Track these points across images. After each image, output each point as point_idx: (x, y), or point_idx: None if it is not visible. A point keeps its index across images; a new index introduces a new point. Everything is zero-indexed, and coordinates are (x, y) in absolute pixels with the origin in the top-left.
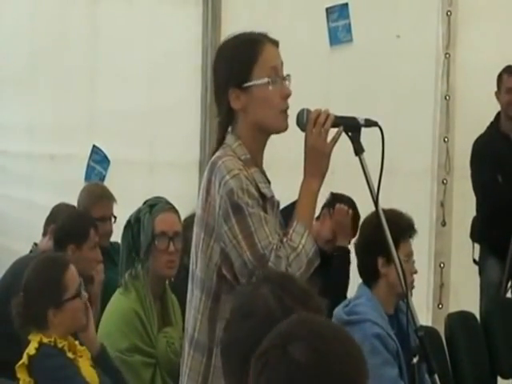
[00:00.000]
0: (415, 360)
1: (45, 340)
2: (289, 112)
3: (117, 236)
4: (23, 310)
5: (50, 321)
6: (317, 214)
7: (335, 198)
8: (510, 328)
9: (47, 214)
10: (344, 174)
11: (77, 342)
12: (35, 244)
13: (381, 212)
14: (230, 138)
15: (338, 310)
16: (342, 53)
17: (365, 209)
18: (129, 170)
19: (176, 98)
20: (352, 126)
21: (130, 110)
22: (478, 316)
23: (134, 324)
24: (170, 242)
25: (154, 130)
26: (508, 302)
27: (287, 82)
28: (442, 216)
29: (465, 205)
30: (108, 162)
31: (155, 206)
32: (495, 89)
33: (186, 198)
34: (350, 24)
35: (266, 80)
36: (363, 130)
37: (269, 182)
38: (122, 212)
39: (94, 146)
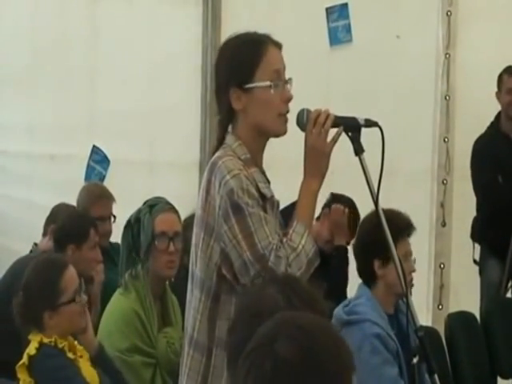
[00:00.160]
0: (415, 360)
1: (45, 340)
2: (289, 113)
3: (117, 236)
4: (22, 309)
5: (46, 322)
6: (317, 214)
7: (335, 199)
8: (510, 328)
9: (47, 214)
10: (344, 174)
11: (75, 343)
12: (35, 244)
13: (381, 212)
14: (230, 138)
15: (338, 310)
16: (341, 53)
17: (365, 209)
18: (129, 170)
19: (176, 98)
20: (352, 126)
21: (129, 110)
22: (478, 316)
23: (134, 324)
24: (170, 242)
25: (154, 130)
26: (508, 302)
27: (289, 86)
28: (442, 216)
29: (465, 205)
30: (108, 162)
31: (155, 206)
32: (495, 89)
33: (186, 198)
34: (349, 24)
35: (268, 83)
36: (363, 130)
37: (269, 182)
38: (122, 212)
39: (93, 146)
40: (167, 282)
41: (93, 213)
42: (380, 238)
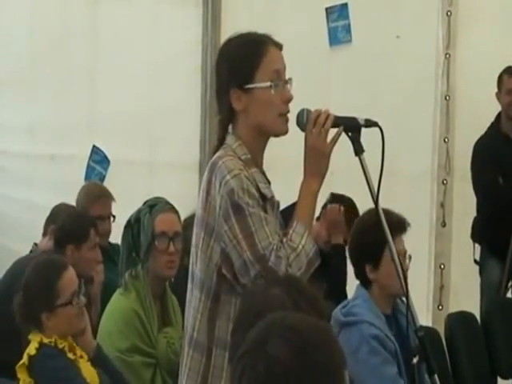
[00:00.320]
0: (415, 360)
1: (45, 340)
2: (289, 113)
3: (116, 236)
4: (21, 310)
5: (44, 323)
6: (317, 214)
7: (335, 199)
8: (510, 328)
9: (47, 214)
10: (344, 175)
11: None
12: (35, 244)
13: (381, 212)
14: (230, 138)
15: (336, 311)
16: (341, 53)
17: (365, 209)
18: (129, 170)
19: (176, 98)
20: (352, 126)
21: (130, 110)
22: (478, 317)
23: (134, 324)
24: (170, 243)
25: (154, 130)
26: (508, 302)
27: (289, 86)
28: (442, 217)
29: (465, 205)
30: (108, 162)
31: (155, 206)
32: (495, 89)
33: (185, 198)
34: (349, 24)
35: (268, 83)
36: (363, 130)
37: (269, 183)
38: (122, 212)
39: (93, 146)
40: (167, 282)
41: (92, 212)
42: (368, 242)
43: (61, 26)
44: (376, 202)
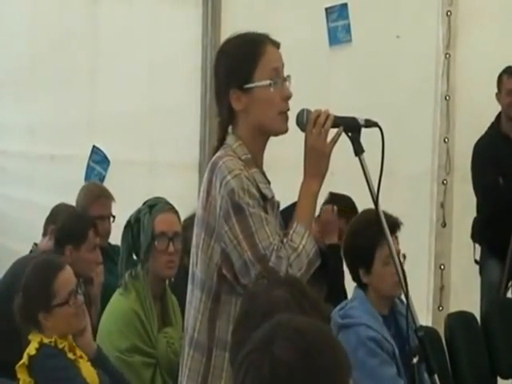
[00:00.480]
0: (415, 360)
1: (45, 340)
2: (289, 113)
3: (116, 236)
4: (21, 310)
5: (42, 323)
6: (317, 214)
7: (333, 198)
8: (510, 328)
9: (47, 214)
10: (344, 175)
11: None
12: (35, 244)
13: (381, 213)
14: (230, 139)
15: (334, 313)
16: (341, 53)
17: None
18: (129, 171)
19: (176, 99)
20: (352, 127)
21: (130, 111)
22: (478, 317)
23: (134, 324)
24: (170, 243)
25: (154, 131)
26: (508, 302)
27: (287, 83)
28: (443, 217)
29: (465, 206)
30: (108, 162)
31: (155, 206)
32: (495, 89)
33: (185, 198)
34: (349, 24)
35: (267, 82)
36: (363, 130)
37: (269, 183)
38: (122, 212)
39: (93, 146)
40: (167, 282)
41: (92, 212)
42: (360, 246)
43: (61, 26)
44: (376, 202)
